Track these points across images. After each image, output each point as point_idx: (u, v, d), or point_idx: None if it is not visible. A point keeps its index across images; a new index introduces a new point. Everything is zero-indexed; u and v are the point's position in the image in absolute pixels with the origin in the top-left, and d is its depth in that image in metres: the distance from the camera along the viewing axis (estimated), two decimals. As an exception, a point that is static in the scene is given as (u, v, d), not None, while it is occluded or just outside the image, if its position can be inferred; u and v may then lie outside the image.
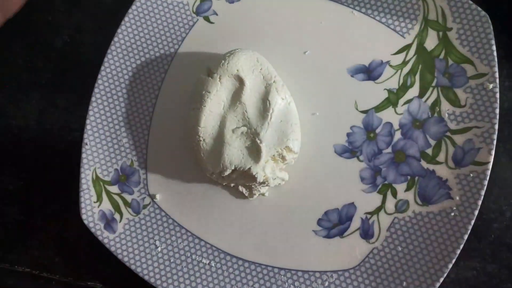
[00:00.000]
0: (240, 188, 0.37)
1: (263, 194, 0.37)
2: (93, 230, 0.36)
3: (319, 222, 0.36)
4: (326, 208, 0.37)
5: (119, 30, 0.39)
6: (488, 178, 0.34)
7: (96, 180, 0.37)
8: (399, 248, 0.35)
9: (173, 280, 0.36)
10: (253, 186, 0.36)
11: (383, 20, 0.38)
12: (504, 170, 0.37)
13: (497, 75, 0.35)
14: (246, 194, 0.37)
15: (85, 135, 0.38)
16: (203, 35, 0.40)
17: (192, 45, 0.40)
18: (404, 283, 0.34)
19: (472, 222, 0.34)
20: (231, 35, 0.39)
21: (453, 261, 0.34)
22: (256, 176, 0.34)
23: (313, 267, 0.36)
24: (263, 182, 0.35)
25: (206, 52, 0.39)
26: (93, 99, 0.39)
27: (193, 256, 0.37)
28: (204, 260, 0.37)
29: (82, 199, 0.37)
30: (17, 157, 0.41)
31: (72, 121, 0.41)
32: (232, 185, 0.36)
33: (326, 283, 0.36)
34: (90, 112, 0.38)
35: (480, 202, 0.34)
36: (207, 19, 0.40)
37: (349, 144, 0.37)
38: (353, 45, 0.38)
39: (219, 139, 0.35)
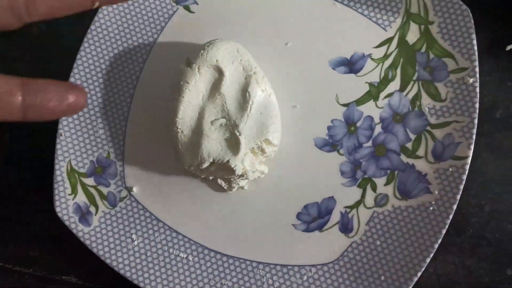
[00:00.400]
0: (219, 181, 0.36)
1: (242, 187, 0.36)
2: (67, 223, 0.36)
3: (298, 216, 0.36)
4: (305, 202, 0.36)
5: (96, 18, 0.38)
6: (467, 172, 0.34)
7: (71, 172, 0.37)
8: (378, 242, 0.35)
9: (149, 274, 0.35)
10: (232, 179, 0.35)
11: (365, 12, 0.37)
12: (484, 165, 0.37)
13: (477, 69, 0.35)
14: (225, 187, 0.36)
15: (60, 126, 0.37)
16: (183, 24, 0.39)
17: (171, 35, 0.39)
18: (382, 277, 0.34)
19: (451, 216, 0.34)
20: (211, 25, 0.38)
21: (431, 255, 0.34)
22: (234, 168, 0.33)
23: (292, 261, 0.36)
24: (242, 175, 0.34)
25: (186, 42, 0.39)
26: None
27: (171, 250, 0.36)
28: (181, 254, 0.36)
29: (56, 191, 0.36)
30: (-10, 148, 0.40)
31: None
32: (211, 178, 0.36)
33: (305, 277, 0.35)
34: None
35: (458, 197, 0.34)
36: (187, 8, 0.39)
37: (329, 138, 0.37)
38: (335, 37, 0.37)
39: (198, 130, 0.34)
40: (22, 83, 0.18)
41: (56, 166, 0.36)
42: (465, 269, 0.36)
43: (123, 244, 0.36)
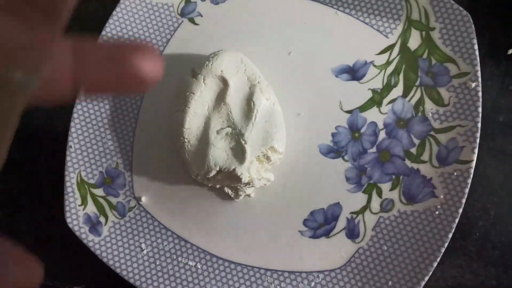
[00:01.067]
0: (226, 189, 0.37)
1: (248, 195, 0.37)
2: (77, 233, 0.36)
3: (305, 222, 0.36)
4: (311, 208, 0.37)
5: (103, 32, 0.39)
6: (471, 176, 0.34)
7: (81, 183, 0.37)
8: (385, 248, 0.35)
9: (158, 283, 0.36)
10: (238, 187, 0.36)
11: (367, 20, 0.38)
12: (487, 169, 0.37)
13: (479, 74, 0.35)
14: (232, 195, 0.37)
15: (70, 138, 0.38)
16: (188, 36, 0.40)
17: (177, 47, 0.40)
18: (390, 282, 0.35)
19: (457, 220, 0.34)
20: (216, 36, 0.39)
21: (438, 259, 0.34)
22: (241, 177, 0.34)
23: (300, 268, 0.36)
24: (248, 183, 0.35)
25: (191, 53, 0.39)
26: (77, 101, 0.38)
27: (179, 259, 0.37)
28: (190, 262, 0.36)
29: (66, 203, 0.37)
30: None
31: (57, 121, 0.41)
32: (217, 186, 0.36)
33: (313, 284, 0.36)
34: (75, 115, 0.38)
35: (464, 200, 0.34)
36: (192, 20, 0.40)
37: (334, 144, 0.37)
38: (337, 45, 0.38)
39: (204, 140, 0.35)
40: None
41: (66, 178, 0.37)
42: (472, 272, 0.36)
43: (133, 253, 0.36)
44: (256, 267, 0.36)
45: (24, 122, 0.40)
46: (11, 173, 0.40)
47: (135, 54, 0.14)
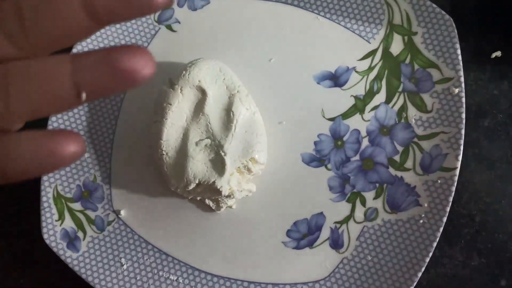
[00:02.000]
0: (207, 201, 0.36)
1: (230, 207, 0.36)
2: (55, 249, 0.35)
3: (288, 233, 0.36)
4: (295, 219, 0.36)
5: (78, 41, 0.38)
6: (455, 184, 0.34)
7: (58, 198, 0.36)
8: (369, 257, 0.35)
9: (140, 297, 0.35)
10: (219, 199, 0.35)
11: (348, 25, 0.37)
12: (473, 175, 0.36)
13: (462, 79, 0.34)
14: (213, 207, 0.36)
15: (45, 151, 0.37)
16: (165, 44, 0.39)
17: (154, 55, 0.38)
18: (375, 293, 0.34)
19: (441, 229, 0.33)
20: (194, 43, 0.38)
21: (423, 268, 0.33)
22: (221, 189, 0.33)
23: (284, 280, 0.35)
24: (229, 195, 0.34)
25: (170, 62, 0.38)
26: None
27: (160, 273, 0.36)
28: (171, 277, 0.36)
29: (43, 218, 0.36)
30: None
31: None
32: (198, 198, 0.35)
33: (298, 295, 0.35)
34: (50, 127, 0.37)
35: (448, 209, 0.33)
36: (169, 27, 0.39)
37: (316, 153, 0.36)
38: (319, 51, 0.37)
39: (182, 152, 0.34)
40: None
41: (42, 193, 0.36)
42: (458, 281, 0.36)
43: (112, 269, 0.36)
44: (239, 280, 0.36)
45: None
46: (-13, 188, 0.39)
47: (127, 53, 0.15)
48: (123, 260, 0.36)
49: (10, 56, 0.16)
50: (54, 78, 0.15)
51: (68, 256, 0.35)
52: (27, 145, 0.16)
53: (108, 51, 0.16)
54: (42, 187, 0.36)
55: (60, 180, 0.37)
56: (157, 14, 0.39)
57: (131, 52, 0.16)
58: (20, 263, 0.38)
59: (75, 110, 0.38)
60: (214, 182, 0.33)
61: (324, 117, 0.36)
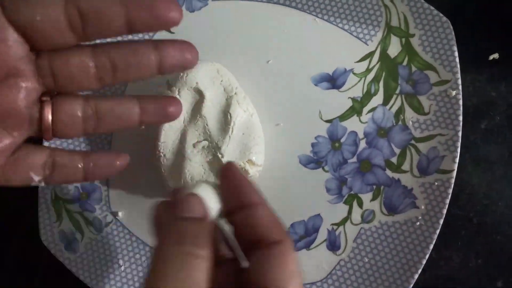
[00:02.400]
0: None
1: None
2: (53, 251, 0.36)
3: (285, 234, 0.36)
4: (292, 221, 0.36)
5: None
6: (452, 186, 0.34)
7: (56, 199, 0.36)
8: (366, 259, 0.35)
9: (138, 299, 0.35)
10: None
11: (346, 27, 0.37)
12: (470, 177, 0.36)
13: (459, 81, 0.34)
14: None
15: (44, 153, 0.37)
16: (163, 45, 0.38)
17: (152, 56, 0.38)
18: (372, 294, 0.34)
19: (438, 231, 0.34)
20: (192, 45, 0.38)
21: (419, 271, 0.33)
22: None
23: (281, 281, 0.35)
24: None
25: (168, 63, 0.38)
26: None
27: (158, 274, 0.36)
28: (169, 277, 0.36)
29: (41, 219, 0.36)
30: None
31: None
32: None
33: (295, 296, 0.35)
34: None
35: (445, 211, 0.34)
36: (167, 29, 0.39)
37: (314, 155, 0.36)
38: (317, 53, 0.37)
39: (180, 154, 0.34)
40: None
41: (40, 194, 0.36)
42: (455, 283, 0.36)
43: (110, 270, 0.36)
44: (236, 281, 0.36)
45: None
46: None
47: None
48: (120, 261, 0.36)
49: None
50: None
51: (67, 257, 0.36)
52: None
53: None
54: (40, 189, 0.36)
55: (58, 182, 0.37)
56: (155, 15, 0.39)
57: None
58: (19, 265, 0.39)
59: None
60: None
61: (321, 119, 0.37)
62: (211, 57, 0.37)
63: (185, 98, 0.35)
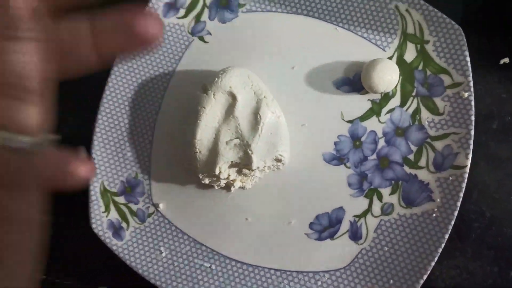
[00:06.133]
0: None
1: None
2: (102, 238, 0.40)
3: (311, 225, 0.39)
4: (317, 213, 0.39)
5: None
6: (465, 180, 0.36)
7: (104, 192, 0.41)
8: (386, 249, 0.38)
9: (177, 283, 0.39)
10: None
11: (365, 35, 0.40)
12: (482, 174, 0.39)
13: (471, 84, 0.37)
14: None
15: (93, 150, 0.41)
16: (198, 54, 0.43)
17: (188, 64, 0.43)
18: (391, 281, 0.37)
19: (452, 222, 0.36)
20: (224, 53, 0.42)
21: (435, 259, 0.36)
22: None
23: (307, 268, 0.39)
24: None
25: (202, 70, 0.42)
26: (98, 116, 0.42)
27: (195, 260, 0.40)
28: (205, 264, 0.40)
29: (91, 210, 0.40)
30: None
31: (83, 133, 0.44)
32: (226, 181, 0.38)
33: (319, 283, 0.38)
34: (97, 129, 0.41)
35: (459, 203, 0.36)
36: (201, 39, 0.43)
37: (336, 152, 0.40)
38: (338, 59, 0.40)
39: (214, 150, 0.38)
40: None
41: (91, 187, 0.40)
42: (469, 272, 0.38)
43: (153, 256, 0.40)
44: (266, 268, 0.39)
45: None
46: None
47: (139, 19, 0.17)
48: (162, 249, 0.40)
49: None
50: (75, 41, 0.18)
51: (114, 244, 0.40)
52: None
53: (122, 15, 0.18)
54: (90, 182, 0.40)
55: (106, 176, 0.41)
56: (190, 26, 0.43)
57: (143, 17, 0.17)
58: (71, 252, 0.43)
59: (119, 114, 0.42)
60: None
61: (343, 119, 0.40)
62: (241, 64, 0.41)
63: (220, 101, 0.38)
